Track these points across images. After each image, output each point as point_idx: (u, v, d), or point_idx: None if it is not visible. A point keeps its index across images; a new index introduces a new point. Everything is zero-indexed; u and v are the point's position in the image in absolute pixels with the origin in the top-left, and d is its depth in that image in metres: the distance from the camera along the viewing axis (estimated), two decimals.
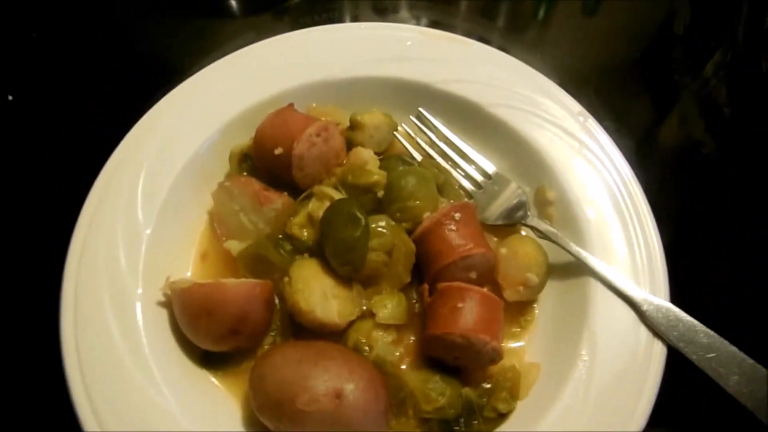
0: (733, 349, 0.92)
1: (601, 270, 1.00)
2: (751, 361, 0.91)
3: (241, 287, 0.93)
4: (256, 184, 1.03)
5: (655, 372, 0.93)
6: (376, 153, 1.11)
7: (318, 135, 1.06)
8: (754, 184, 1.28)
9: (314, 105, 1.17)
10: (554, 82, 1.18)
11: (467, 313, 0.93)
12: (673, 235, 1.08)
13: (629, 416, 0.90)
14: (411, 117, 1.18)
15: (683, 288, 1.02)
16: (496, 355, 0.93)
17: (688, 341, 0.94)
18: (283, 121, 1.06)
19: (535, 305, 1.06)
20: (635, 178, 1.08)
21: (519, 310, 1.05)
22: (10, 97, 1.30)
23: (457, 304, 0.93)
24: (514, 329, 1.04)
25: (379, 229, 0.99)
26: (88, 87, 1.35)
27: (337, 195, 1.04)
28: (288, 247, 1.03)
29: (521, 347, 1.03)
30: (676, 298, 0.99)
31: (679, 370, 0.94)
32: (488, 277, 1.02)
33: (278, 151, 1.04)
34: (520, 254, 1.02)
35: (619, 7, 1.59)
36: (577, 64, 1.43)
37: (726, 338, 0.94)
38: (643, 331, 0.96)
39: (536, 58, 1.35)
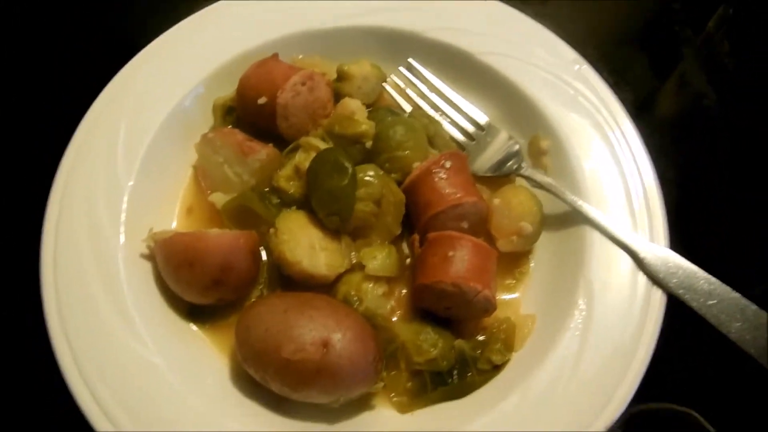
0: (736, 295, 0.89)
1: (598, 218, 0.97)
2: (754, 307, 0.88)
3: (224, 237, 0.90)
4: (239, 135, 1.00)
5: (654, 320, 0.90)
6: (364, 104, 1.07)
7: (303, 84, 1.02)
8: (756, 136, 1.25)
9: (300, 57, 1.14)
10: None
11: (458, 261, 0.90)
12: (674, 186, 1.05)
13: (627, 366, 0.87)
14: (400, 68, 1.15)
15: (684, 236, 0.98)
16: (489, 305, 0.90)
17: (688, 288, 0.91)
18: (266, 71, 1.03)
19: (530, 256, 1.03)
20: (633, 124, 1.05)
21: (513, 261, 1.02)
22: None
23: (447, 253, 0.90)
24: (508, 281, 1.01)
25: (367, 178, 0.96)
26: (66, 40, 1.31)
27: (324, 146, 1.00)
28: (275, 200, 1.00)
29: (516, 299, 1.00)
30: (676, 246, 0.96)
31: (679, 318, 0.91)
32: (480, 227, 0.99)
33: (262, 100, 1.00)
34: (513, 203, 0.98)
35: None
36: (576, 20, 1.38)
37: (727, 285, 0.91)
38: (642, 279, 0.93)
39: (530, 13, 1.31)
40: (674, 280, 0.91)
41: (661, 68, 1.37)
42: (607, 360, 0.88)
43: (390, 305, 0.98)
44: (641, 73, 1.36)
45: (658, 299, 0.91)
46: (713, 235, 1.09)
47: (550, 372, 0.88)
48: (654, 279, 0.92)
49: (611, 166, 1.01)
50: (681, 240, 0.97)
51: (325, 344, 0.83)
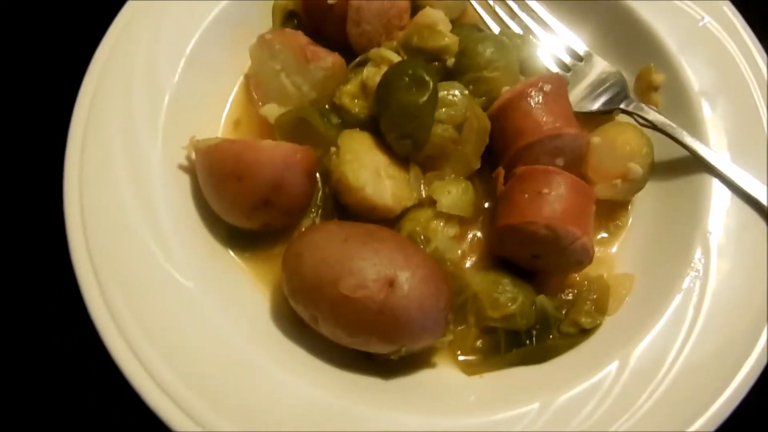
0: None
1: (721, 166, 0.80)
2: None
3: (279, 149, 0.76)
4: (302, 38, 0.86)
5: None
6: (450, 17, 0.92)
7: None
8: None
9: None
10: None
11: (554, 200, 0.75)
12: None
13: (749, 348, 0.71)
14: None
15: None
16: (586, 257, 0.75)
17: None
18: None
19: (630, 207, 0.87)
20: None
21: (609, 211, 0.86)
22: None
23: (542, 190, 0.75)
24: (602, 235, 0.86)
25: (451, 97, 0.80)
26: None
27: (398, 59, 0.86)
28: (335, 120, 0.86)
29: (610, 255, 0.85)
30: None
31: None
32: (576, 169, 0.83)
33: (332, 0, 0.86)
34: (619, 142, 0.83)
35: None
36: None
37: None
38: None
39: None
40: None
41: None
42: (726, 337, 0.72)
43: (461, 250, 0.84)
44: None
45: None
46: None
47: (652, 345, 0.73)
48: None
49: (740, 109, 0.85)
50: None
51: (391, 282, 0.69)
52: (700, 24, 0.90)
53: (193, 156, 0.80)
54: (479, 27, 0.93)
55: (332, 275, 0.70)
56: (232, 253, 0.82)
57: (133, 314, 0.71)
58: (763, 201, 0.78)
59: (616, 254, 0.85)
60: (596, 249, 0.84)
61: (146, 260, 0.74)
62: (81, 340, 0.79)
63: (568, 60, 0.94)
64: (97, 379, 0.82)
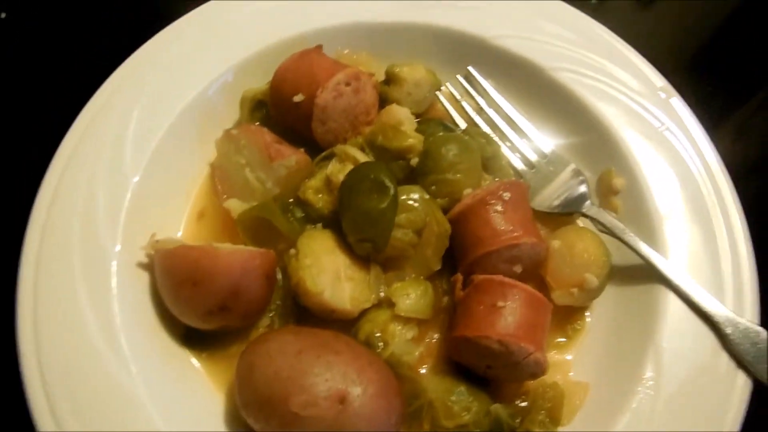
0: None
1: (676, 278, 0.82)
2: None
3: (237, 255, 0.76)
4: (267, 135, 0.87)
5: (736, 411, 0.74)
6: (413, 114, 0.94)
7: (347, 84, 0.88)
8: None
9: (346, 51, 1.00)
10: None
11: (509, 314, 0.75)
12: (763, 241, 0.89)
13: None
14: (458, 76, 1.01)
15: None
16: (539, 370, 0.76)
17: None
18: (308, 64, 0.89)
19: (588, 313, 0.88)
20: (725, 171, 0.89)
21: (567, 316, 0.87)
22: (3, 15, 1.15)
23: (497, 302, 0.76)
24: (558, 339, 0.86)
25: (410, 202, 0.82)
26: (80, 12, 1.18)
27: (362, 158, 0.86)
28: (299, 214, 0.87)
29: (566, 361, 0.85)
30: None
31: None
32: (534, 273, 0.84)
33: (298, 98, 0.87)
34: (577, 249, 0.83)
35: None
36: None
37: None
38: (724, 359, 0.77)
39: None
40: (764, 365, 0.76)
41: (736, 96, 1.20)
42: None
43: (419, 352, 0.84)
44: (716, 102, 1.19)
45: (743, 385, 0.76)
46: None
47: None
48: (739, 360, 0.77)
49: (697, 218, 0.86)
50: None
51: (342, 399, 0.69)
52: (661, 130, 0.92)
53: (153, 254, 0.80)
54: (445, 123, 0.94)
55: (283, 391, 0.69)
56: (188, 352, 0.81)
57: (76, 419, 0.70)
58: (714, 314, 0.79)
59: (573, 360, 0.85)
60: (553, 353, 0.85)
61: (96, 364, 0.73)
62: None
63: (533, 157, 0.96)
64: None
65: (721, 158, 0.90)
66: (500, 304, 0.76)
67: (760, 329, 0.78)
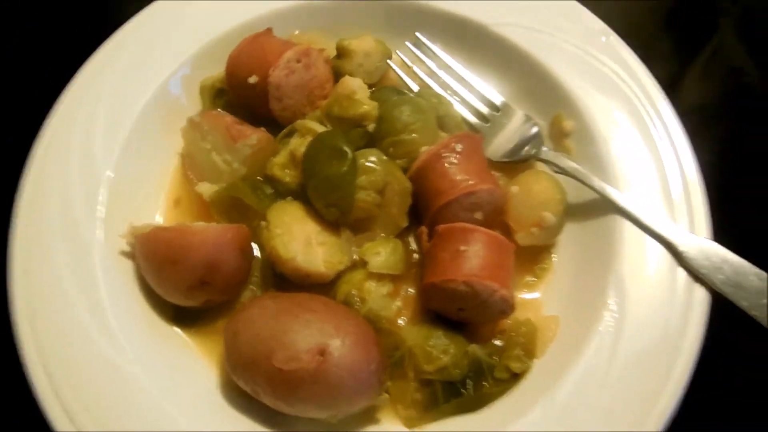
0: None
1: (629, 206, 0.86)
2: None
3: (209, 232, 0.81)
4: (227, 118, 0.91)
5: (697, 323, 0.79)
6: (367, 84, 0.97)
7: (298, 61, 0.92)
8: None
9: (296, 32, 1.04)
10: None
11: (471, 256, 0.80)
12: (715, 171, 0.92)
13: (665, 378, 0.76)
14: (406, 43, 1.05)
15: (729, 227, 0.87)
16: (507, 306, 0.80)
17: (736, 285, 0.79)
18: (258, 47, 0.93)
19: (553, 251, 0.92)
20: (668, 103, 0.93)
21: (533, 257, 0.91)
22: None
23: (459, 247, 0.80)
24: (528, 279, 0.90)
25: (369, 164, 0.85)
26: (38, 14, 1.21)
27: (322, 129, 0.90)
28: (269, 190, 0.91)
29: (537, 299, 0.89)
30: (720, 238, 0.84)
31: (727, 319, 0.80)
32: (496, 218, 0.88)
33: (253, 79, 0.91)
34: (534, 191, 0.88)
35: None
36: None
37: None
38: (682, 275, 0.82)
39: None
40: (720, 276, 0.80)
41: (692, 42, 1.24)
42: (643, 370, 0.77)
43: (396, 306, 0.88)
44: (670, 48, 1.23)
45: (702, 298, 0.80)
46: (762, 224, 0.97)
47: (577, 382, 0.78)
48: (696, 275, 0.81)
49: (644, 148, 0.90)
50: (726, 231, 0.86)
51: (322, 352, 0.73)
52: (604, 70, 0.96)
53: (133, 241, 0.85)
54: (398, 89, 0.98)
55: (266, 350, 0.74)
56: (178, 330, 0.86)
57: (78, 399, 0.74)
58: (667, 235, 0.83)
59: (542, 297, 0.89)
60: (523, 292, 0.90)
61: (91, 346, 0.78)
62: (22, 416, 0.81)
63: (485, 111, 1.00)
64: None
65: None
66: (463, 248, 0.80)
67: (713, 243, 0.82)
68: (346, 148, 0.84)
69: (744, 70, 1.18)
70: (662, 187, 0.87)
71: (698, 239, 0.83)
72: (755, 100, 1.14)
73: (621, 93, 0.94)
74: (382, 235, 0.89)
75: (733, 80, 1.19)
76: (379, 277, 0.86)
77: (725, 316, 0.80)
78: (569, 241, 0.91)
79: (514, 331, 0.85)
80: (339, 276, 0.86)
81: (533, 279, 0.91)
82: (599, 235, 0.88)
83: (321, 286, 0.85)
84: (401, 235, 0.90)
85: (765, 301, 0.77)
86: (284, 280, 0.86)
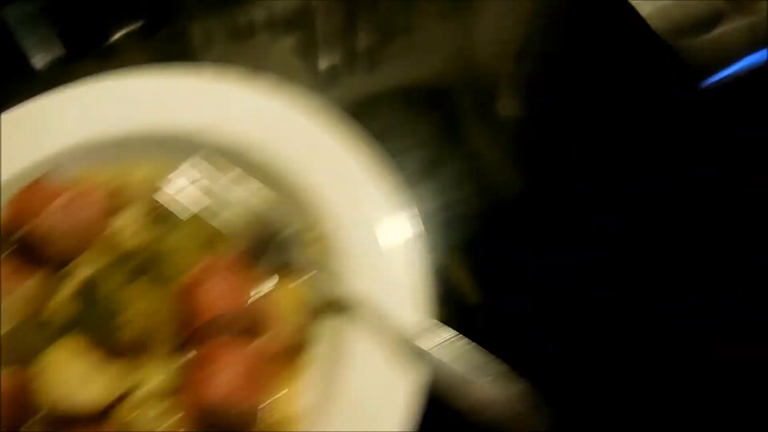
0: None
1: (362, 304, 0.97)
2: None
3: None
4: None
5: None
6: (146, 210, 1.07)
7: (67, 205, 1.01)
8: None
9: (78, 170, 1.13)
10: None
11: (222, 375, 0.89)
12: None
13: None
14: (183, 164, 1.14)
15: None
16: (250, 419, 0.89)
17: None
18: (30, 196, 1.01)
19: (306, 349, 1.01)
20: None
21: (289, 356, 1.00)
22: None
23: (206, 370, 0.90)
24: (283, 376, 0.99)
25: (134, 294, 0.94)
26: None
27: (94, 269, 0.99)
28: (49, 330, 0.98)
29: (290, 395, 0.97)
30: None
31: None
32: (252, 329, 0.98)
33: (24, 229, 0.99)
34: (282, 296, 0.99)
35: None
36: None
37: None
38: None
39: None
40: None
41: None
42: None
43: (180, 415, 0.95)
44: None
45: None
46: None
47: None
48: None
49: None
50: None
51: None
52: None
53: None
54: (172, 213, 1.07)
55: None
56: None
57: None
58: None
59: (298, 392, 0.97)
60: (280, 392, 0.97)
61: None
62: None
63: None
64: None
65: None
66: (209, 370, 0.89)
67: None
68: (105, 286, 0.93)
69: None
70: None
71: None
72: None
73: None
74: (156, 357, 0.98)
75: None
76: (158, 396, 0.95)
77: None
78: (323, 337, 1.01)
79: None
80: (114, 404, 0.94)
81: (287, 377, 0.98)
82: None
83: (97, 417, 0.92)
84: (174, 354, 0.99)
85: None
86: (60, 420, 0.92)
